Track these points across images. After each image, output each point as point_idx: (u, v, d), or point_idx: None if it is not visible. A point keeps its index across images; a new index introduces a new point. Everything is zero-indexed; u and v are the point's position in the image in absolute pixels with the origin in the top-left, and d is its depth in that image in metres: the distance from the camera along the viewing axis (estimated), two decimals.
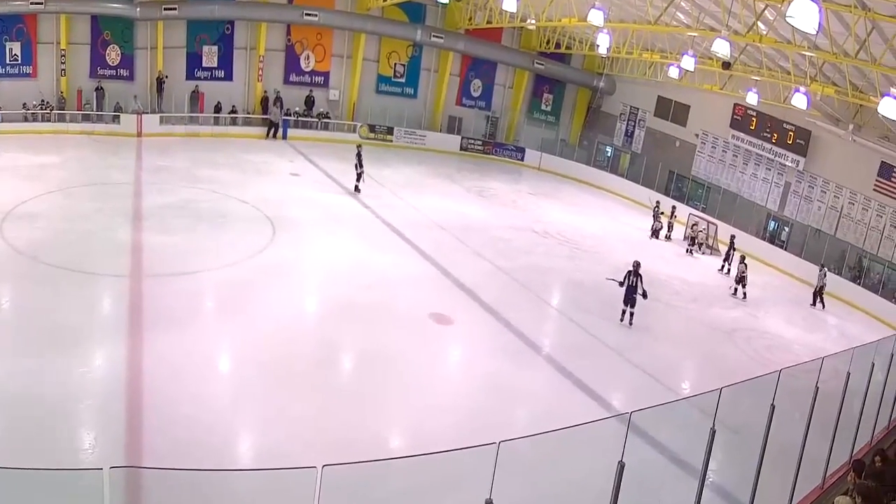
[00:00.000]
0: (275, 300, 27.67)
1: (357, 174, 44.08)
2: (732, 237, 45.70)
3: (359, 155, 44.19)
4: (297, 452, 17.79)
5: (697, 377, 29.02)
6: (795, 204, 50.43)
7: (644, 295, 31.08)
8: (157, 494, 15.05)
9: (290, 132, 56.13)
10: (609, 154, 65.59)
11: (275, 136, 55.38)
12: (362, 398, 21.94)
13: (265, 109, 56.02)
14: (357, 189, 44.06)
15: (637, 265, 31.40)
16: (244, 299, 27.32)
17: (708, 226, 48.73)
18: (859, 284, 43.39)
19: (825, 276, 41.35)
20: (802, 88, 39.80)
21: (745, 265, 39.85)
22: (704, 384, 24.65)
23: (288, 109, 56.53)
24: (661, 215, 49.35)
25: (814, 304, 41.06)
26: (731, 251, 44.21)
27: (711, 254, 47.00)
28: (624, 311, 31.53)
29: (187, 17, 51.86)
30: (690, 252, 46.50)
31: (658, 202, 50.40)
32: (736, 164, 54.77)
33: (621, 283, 31.34)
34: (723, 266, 44.19)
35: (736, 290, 39.71)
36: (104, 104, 49.84)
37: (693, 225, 48.30)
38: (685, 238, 48.75)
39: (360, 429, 19.75)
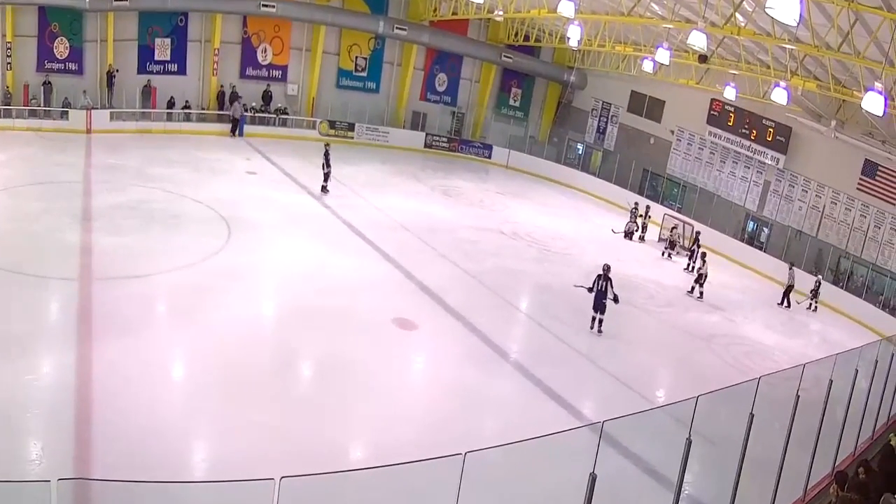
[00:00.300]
0: (231, 305, 27.48)
1: (324, 174, 43.87)
2: (697, 234, 45.99)
3: (326, 154, 43.91)
4: (254, 463, 17.61)
5: (673, 385, 29.15)
6: (775, 204, 50.71)
7: (615, 299, 30.75)
8: None
9: (247, 129, 55.64)
10: (580, 151, 65.73)
11: (237, 133, 55.06)
12: (322, 407, 21.87)
13: (221, 105, 55.75)
14: (325, 190, 43.87)
15: (607, 269, 31.06)
16: (199, 304, 27.08)
17: (684, 227, 48.79)
18: (842, 288, 43.60)
19: (820, 282, 41.89)
20: (782, 83, 39.88)
21: (704, 262, 40.04)
22: (680, 392, 24.69)
23: (245, 105, 56.27)
24: (637, 217, 49.57)
25: (781, 303, 41.44)
26: (696, 248, 44.41)
27: (687, 255, 46.94)
28: (594, 319, 31.21)
29: (139, 8, 51.29)
30: (669, 256, 46.44)
31: (636, 203, 50.56)
32: (713, 161, 55.01)
33: (590, 289, 31.02)
34: (688, 265, 44.27)
35: (693, 288, 39.89)
36: (52, 99, 49.28)
37: (672, 228, 48.30)
38: (660, 240, 48.99)
39: (319, 439, 19.69)
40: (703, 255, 40.83)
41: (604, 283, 30.74)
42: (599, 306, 30.96)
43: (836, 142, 45.00)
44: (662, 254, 46.61)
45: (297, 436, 19.71)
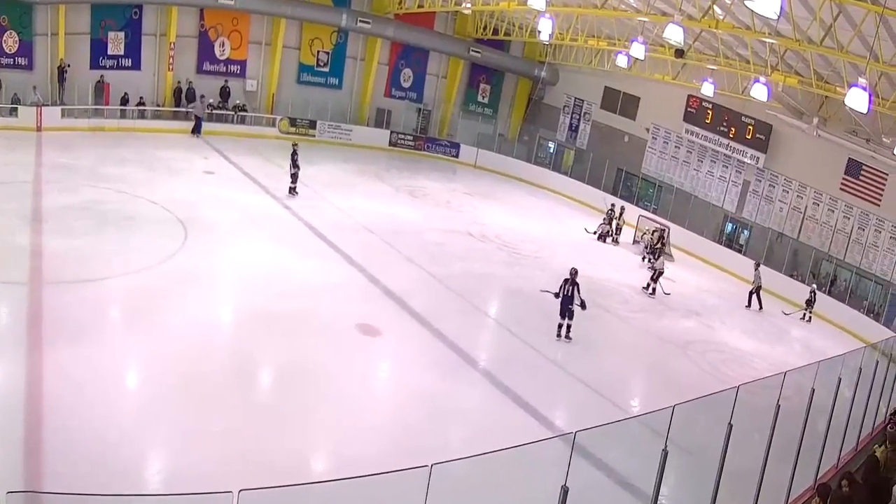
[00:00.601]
0: (187, 310, 27.23)
1: (291, 175, 43.58)
2: (662, 231, 46.28)
3: (294, 154, 43.72)
4: (212, 475, 17.51)
5: (648, 393, 29.15)
6: (755, 205, 50.91)
7: (582, 305, 30.61)
8: None
9: (205, 126, 54.94)
10: (551, 150, 65.91)
11: (197, 132, 54.32)
12: (282, 417, 21.71)
13: (177, 101, 55.27)
14: (292, 192, 43.55)
15: (574, 272, 30.92)
16: (154, 309, 26.81)
17: (662, 233, 48.46)
18: (825, 292, 43.61)
19: (815, 292, 41.54)
20: (762, 78, 40.00)
21: (658, 257, 40.87)
22: (656, 401, 24.70)
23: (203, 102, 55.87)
24: (613, 219, 49.51)
25: (749, 305, 41.60)
26: (660, 245, 44.73)
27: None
28: (560, 326, 31.00)
29: (91, 1, 50.89)
30: (650, 261, 45.90)
31: (613, 205, 50.57)
32: (690, 161, 55.22)
33: (557, 294, 30.89)
34: (651, 265, 44.11)
35: (648, 284, 40.20)
36: (0, 96, 48.67)
37: (654, 231, 48.06)
38: (634, 242, 49.06)
39: (279, 450, 19.54)
40: (660, 250, 41.16)
41: (571, 288, 30.62)
42: (567, 312, 30.75)
43: (818, 140, 45.16)
44: (643, 259, 46.40)
45: (257, 446, 19.56)
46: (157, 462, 19.20)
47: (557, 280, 32.21)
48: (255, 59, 59.01)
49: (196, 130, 54.20)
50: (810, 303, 41.47)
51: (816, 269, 45.93)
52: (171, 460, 19.21)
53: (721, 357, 33.40)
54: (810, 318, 41.58)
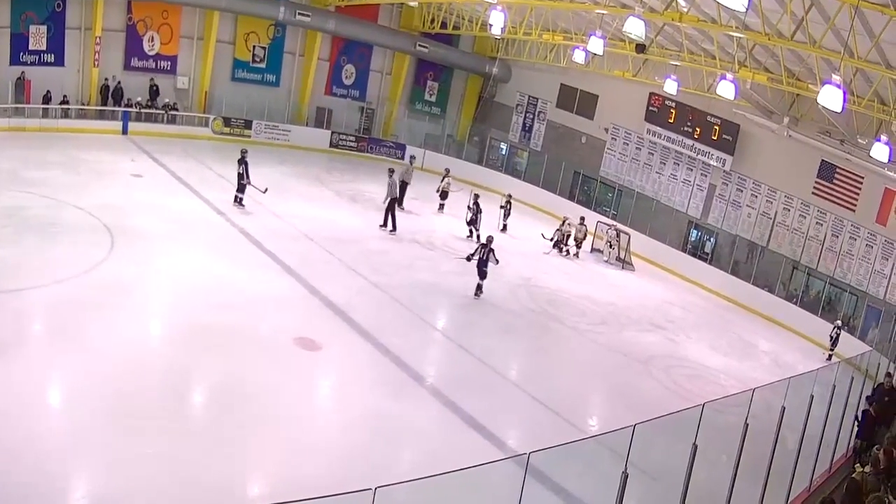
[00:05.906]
0: (115, 323, 26.75)
1: (239, 185, 42.81)
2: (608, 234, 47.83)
3: (243, 162, 42.66)
4: (143, 500, 17.53)
5: (607, 412, 29.19)
6: (721, 210, 51.15)
7: (496, 262, 36.24)
8: None
9: (132, 126, 54.54)
10: (504, 152, 66.34)
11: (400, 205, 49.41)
12: (218, 438, 21.46)
13: (104, 100, 54.68)
14: (239, 202, 42.81)
15: (490, 240, 36.48)
16: (79, 322, 26.38)
17: (619, 235, 48.67)
18: (795, 304, 43.81)
19: (840, 329, 39.71)
20: (729, 75, 40.19)
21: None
22: (615, 420, 24.77)
23: (129, 100, 55.09)
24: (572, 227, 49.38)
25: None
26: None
27: (623, 268, 47.11)
28: (480, 286, 36.22)
29: None
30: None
31: (585, 218, 50.57)
32: (652, 163, 55.49)
33: (469, 258, 36.44)
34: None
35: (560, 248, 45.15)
36: None
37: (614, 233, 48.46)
38: (594, 251, 49.14)
39: (215, 473, 19.36)
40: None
41: (488, 252, 35.73)
42: (483, 273, 36.03)
43: (789, 141, 45.45)
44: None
45: (191, 470, 19.34)
46: (84, 487, 18.88)
47: (512, 288, 32.35)
48: (186, 55, 58.49)
49: (124, 130, 53.45)
50: (834, 342, 39.52)
51: (788, 278, 46.09)
52: (100, 486, 18.84)
53: (685, 373, 33.52)
54: (831, 356, 39.34)
